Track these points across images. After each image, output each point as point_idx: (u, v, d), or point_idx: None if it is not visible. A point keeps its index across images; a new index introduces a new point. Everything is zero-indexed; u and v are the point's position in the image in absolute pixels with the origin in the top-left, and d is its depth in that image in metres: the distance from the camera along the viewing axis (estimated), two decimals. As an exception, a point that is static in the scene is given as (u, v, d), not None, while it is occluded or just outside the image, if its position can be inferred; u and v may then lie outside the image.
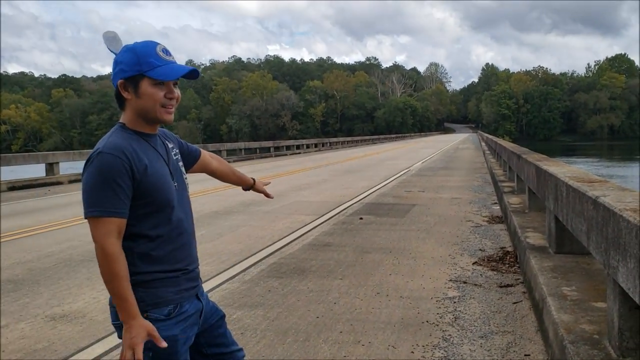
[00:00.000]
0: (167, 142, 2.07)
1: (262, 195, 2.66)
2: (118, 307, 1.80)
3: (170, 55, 1.92)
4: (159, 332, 1.86)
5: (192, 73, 1.94)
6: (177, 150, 2.13)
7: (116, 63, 1.90)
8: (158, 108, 1.89)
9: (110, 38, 1.94)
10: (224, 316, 2.21)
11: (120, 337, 1.89)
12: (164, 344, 1.81)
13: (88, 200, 1.79)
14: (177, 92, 1.94)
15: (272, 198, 2.71)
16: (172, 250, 1.93)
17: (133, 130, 1.92)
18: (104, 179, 1.78)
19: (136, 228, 1.86)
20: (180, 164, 2.10)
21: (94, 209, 1.78)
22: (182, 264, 1.96)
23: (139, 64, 1.86)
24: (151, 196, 1.87)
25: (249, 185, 2.61)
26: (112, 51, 1.93)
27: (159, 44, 1.91)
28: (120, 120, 1.95)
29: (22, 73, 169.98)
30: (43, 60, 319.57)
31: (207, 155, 2.40)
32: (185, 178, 2.10)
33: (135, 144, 1.88)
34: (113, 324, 1.94)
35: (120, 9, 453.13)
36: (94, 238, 1.79)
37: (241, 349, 2.24)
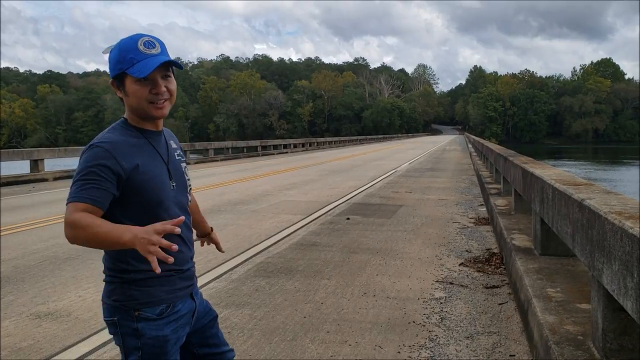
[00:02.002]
0: (171, 141, 2.04)
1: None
2: (114, 242, 1.68)
3: (153, 47, 1.83)
4: (149, 332, 1.85)
5: (171, 63, 1.87)
6: (181, 152, 2.10)
7: (108, 62, 1.87)
8: (145, 105, 1.84)
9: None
10: (216, 317, 2.19)
11: (111, 333, 1.90)
12: (175, 247, 1.68)
13: (70, 189, 1.77)
14: (170, 84, 1.87)
15: (223, 252, 2.50)
16: (165, 249, 1.88)
17: (134, 126, 1.90)
18: (87, 170, 1.75)
19: (126, 224, 1.79)
20: (183, 165, 2.06)
21: (71, 197, 1.74)
22: (177, 264, 1.90)
23: (120, 62, 1.82)
24: (142, 194, 1.83)
25: (205, 232, 2.43)
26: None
27: (143, 36, 1.84)
28: (124, 115, 1.94)
29: (7, 68, 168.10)
30: (26, 56, 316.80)
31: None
32: (188, 179, 2.07)
33: (133, 140, 1.86)
34: (105, 320, 1.93)
35: (105, 4, 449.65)
36: (65, 223, 1.72)
37: (232, 350, 2.23)
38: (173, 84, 1.89)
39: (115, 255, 1.86)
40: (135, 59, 1.79)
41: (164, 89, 1.85)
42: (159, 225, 1.68)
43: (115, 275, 1.88)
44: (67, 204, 1.75)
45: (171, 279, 1.92)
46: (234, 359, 2.24)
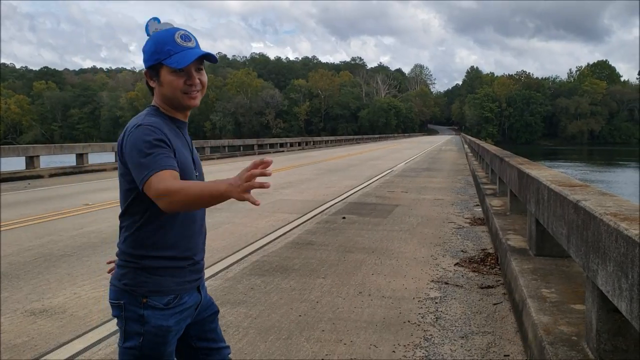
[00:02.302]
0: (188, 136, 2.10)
1: None
2: (212, 196, 1.68)
3: (189, 40, 1.90)
4: (154, 320, 1.88)
5: (207, 57, 1.92)
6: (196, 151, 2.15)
7: (143, 52, 1.93)
8: (179, 95, 1.90)
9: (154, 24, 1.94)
10: (217, 312, 2.21)
11: (114, 315, 1.94)
12: (267, 184, 1.65)
13: (139, 169, 1.76)
14: (202, 77, 1.94)
15: None
16: (182, 237, 1.93)
17: (165, 114, 1.95)
18: (150, 144, 1.77)
19: (151, 211, 1.84)
20: (199, 158, 2.11)
21: (149, 170, 1.73)
22: (190, 253, 1.96)
23: (157, 53, 1.87)
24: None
25: None
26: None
27: (179, 30, 1.91)
28: (153, 103, 1.97)
29: (3, 64, 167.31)
30: (22, 52, 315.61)
31: None
32: (203, 172, 2.12)
33: (167, 127, 1.89)
34: (110, 302, 1.96)
35: (102, 1, 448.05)
36: (155, 196, 1.72)
37: (228, 347, 2.24)
38: (205, 77, 1.96)
39: (136, 240, 1.89)
40: (172, 51, 1.86)
41: (197, 80, 1.92)
42: (247, 172, 1.64)
43: (130, 260, 1.91)
44: (146, 179, 1.73)
45: (183, 271, 1.95)
46: (229, 356, 2.25)
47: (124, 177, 1.88)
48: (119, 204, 1.97)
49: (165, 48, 1.86)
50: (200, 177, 2.04)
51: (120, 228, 1.95)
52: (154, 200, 1.74)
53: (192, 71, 1.89)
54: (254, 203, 1.65)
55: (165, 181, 1.71)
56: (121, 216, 1.94)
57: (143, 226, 1.87)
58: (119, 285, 1.92)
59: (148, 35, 1.92)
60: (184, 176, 1.85)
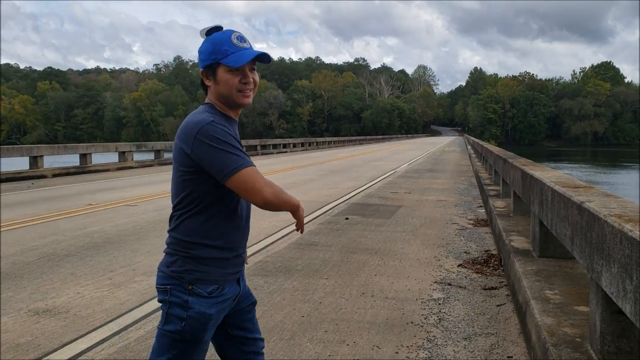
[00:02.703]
0: None
1: None
2: (292, 205, 2.08)
3: (245, 42, 2.02)
4: (197, 307, 1.98)
5: (262, 57, 2.03)
6: None
7: (199, 52, 2.04)
8: (235, 93, 2.01)
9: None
10: (255, 302, 2.31)
11: (159, 300, 2.05)
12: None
13: (223, 162, 1.90)
14: (255, 76, 2.06)
15: None
16: (229, 230, 2.05)
17: (220, 111, 2.04)
18: (225, 140, 1.91)
19: (206, 203, 1.98)
20: None
21: (235, 166, 1.90)
22: (235, 245, 2.08)
23: (214, 53, 1.98)
24: None
25: None
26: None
27: (234, 32, 2.02)
28: (207, 101, 2.07)
29: (7, 65, 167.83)
30: (26, 52, 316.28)
31: None
32: None
33: (226, 123, 2.00)
34: (157, 287, 2.06)
35: (105, 1, 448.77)
36: (252, 190, 1.93)
37: (263, 339, 2.33)
38: (257, 77, 2.09)
39: (188, 230, 2.00)
40: (229, 51, 1.97)
41: (251, 79, 2.04)
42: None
43: (179, 249, 2.01)
44: (234, 172, 1.90)
45: (227, 263, 2.06)
46: (262, 350, 2.32)
47: (182, 169, 1.98)
48: (171, 195, 2.09)
49: (223, 48, 1.97)
50: None
51: (172, 217, 2.06)
52: (246, 193, 1.94)
53: (246, 70, 2.01)
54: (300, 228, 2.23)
55: (261, 176, 1.94)
56: (175, 206, 2.04)
57: (194, 216, 1.99)
58: (166, 272, 2.03)
59: (203, 37, 2.06)
60: None
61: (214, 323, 2.05)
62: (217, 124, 1.92)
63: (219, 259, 2.02)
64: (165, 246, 2.08)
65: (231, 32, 2.02)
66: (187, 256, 1.99)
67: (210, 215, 1.99)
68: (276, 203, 1.98)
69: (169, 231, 2.08)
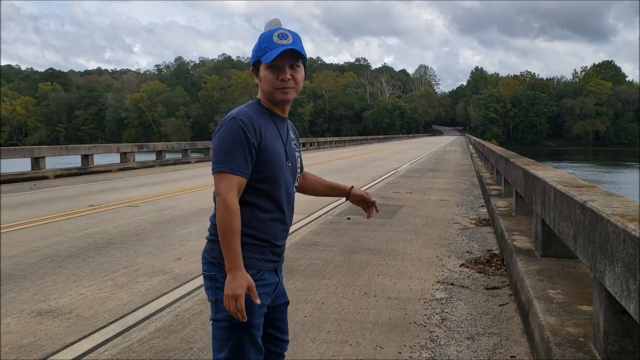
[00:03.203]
0: (290, 132, 2.25)
1: None
2: (226, 258, 1.94)
3: (285, 38, 2.04)
4: None
5: (294, 52, 2.04)
6: (297, 144, 2.30)
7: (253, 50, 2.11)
8: (273, 89, 2.06)
9: (273, 23, 2.11)
10: (288, 303, 2.32)
11: (206, 287, 2.09)
12: (258, 301, 1.98)
13: (217, 158, 1.98)
14: (296, 73, 2.08)
15: (377, 210, 2.61)
16: (266, 221, 2.08)
17: (265, 107, 2.12)
18: (232, 140, 1.97)
19: (250, 192, 2.03)
20: (297, 153, 2.26)
21: (221, 165, 1.96)
22: (271, 237, 2.10)
23: (258, 51, 2.05)
24: (265, 166, 2.03)
25: (348, 193, 2.55)
26: None
27: (280, 29, 2.06)
28: (257, 97, 2.15)
29: (8, 66, 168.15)
30: (26, 54, 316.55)
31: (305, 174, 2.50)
32: (299, 167, 2.27)
33: (264, 119, 2.07)
34: (203, 274, 2.11)
35: (105, 2, 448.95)
36: (218, 192, 1.96)
37: (288, 341, 2.34)
38: (300, 74, 2.10)
39: None
40: (268, 48, 2.02)
41: (288, 76, 2.05)
42: (252, 287, 1.96)
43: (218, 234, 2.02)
44: (219, 170, 1.96)
45: (263, 250, 2.09)
46: (285, 353, 2.33)
47: None
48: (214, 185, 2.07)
49: (263, 46, 2.03)
50: (293, 169, 2.18)
51: (214, 205, 2.08)
52: (215, 189, 1.98)
53: (285, 67, 2.04)
54: (234, 315, 1.96)
55: (232, 191, 1.95)
56: (214, 194, 2.05)
57: (240, 204, 2.00)
58: (208, 259, 2.08)
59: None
60: (273, 162, 2.05)
61: (259, 307, 2.05)
62: (237, 119, 1.98)
63: (255, 245, 2.06)
64: (207, 232, 2.14)
65: (277, 29, 2.06)
66: None
67: (249, 204, 2.03)
68: (222, 226, 1.95)
69: (210, 218, 2.12)
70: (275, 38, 2.03)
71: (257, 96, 2.15)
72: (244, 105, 2.09)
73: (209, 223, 2.14)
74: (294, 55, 2.05)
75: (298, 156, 2.25)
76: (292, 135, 2.24)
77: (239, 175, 1.96)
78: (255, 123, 2.01)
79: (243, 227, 1.99)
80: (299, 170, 2.26)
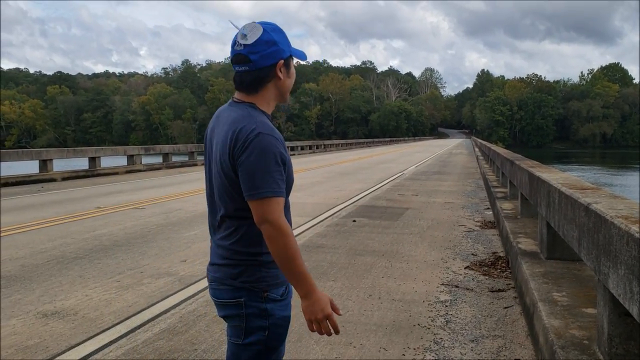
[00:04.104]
0: None
1: None
2: (300, 284, 1.82)
3: None
4: (278, 312, 1.92)
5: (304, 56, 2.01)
6: None
7: (269, 43, 1.86)
8: (289, 89, 2.00)
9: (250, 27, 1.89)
10: None
11: (229, 315, 1.93)
12: (341, 312, 1.91)
13: (258, 181, 1.79)
14: None
15: None
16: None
17: (262, 110, 1.93)
18: (268, 159, 1.79)
19: None
20: None
21: (264, 190, 1.78)
22: None
23: (289, 45, 1.93)
24: (289, 177, 1.92)
25: None
26: (241, 31, 1.88)
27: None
28: (248, 101, 1.93)
29: (17, 69, 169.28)
30: (34, 57, 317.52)
31: None
32: None
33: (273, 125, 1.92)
34: (227, 302, 1.93)
35: (111, 5, 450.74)
36: (268, 218, 1.78)
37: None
38: None
39: (252, 238, 1.89)
40: (291, 44, 1.94)
41: None
42: (333, 302, 1.89)
43: (245, 258, 1.91)
44: (267, 196, 1.79)
45: None
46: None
47: (235, 179, 1.85)
48: (220, 206, 1.95)
49: (289, 41, 1.93)
50: None
51: (224, 226, 1.94)
52: (257, 220, 1.80)
53: None
54: (325, 334, 1.89)
55: (282, 215, 1.81)
56: (229, 215, 1.91)
57: (255, 224, 1.86)
58: (234, 284, 1.91)
59: (243, 32, 1.87)
60: (292, 172, 1.95)
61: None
62: (274, 138, 1.83)
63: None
64: (218, 257, 1.96)
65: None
66: (255, 264, 1.90)
67: None
68: (283, 252, 1.82)
69: (222, 242, 1.95)
70: None
71: (251, 100, 1.93)
72: (252, 114, 1.87)
73: (219, 247, 1.96)
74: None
75: None
76: None
77: (282, 196, 1.82)
78: (279, 134, 1.86)
79: (264, 246, 1.87)
80: None
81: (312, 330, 1.87)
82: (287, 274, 1.82)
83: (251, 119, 1.85)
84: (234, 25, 1.94)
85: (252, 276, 1.89)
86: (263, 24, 1.89)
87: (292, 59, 1.96)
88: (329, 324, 1.84)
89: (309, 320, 1.84)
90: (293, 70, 1.97)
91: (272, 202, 1.79)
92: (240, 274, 1.90)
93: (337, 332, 1.87)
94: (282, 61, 1.89)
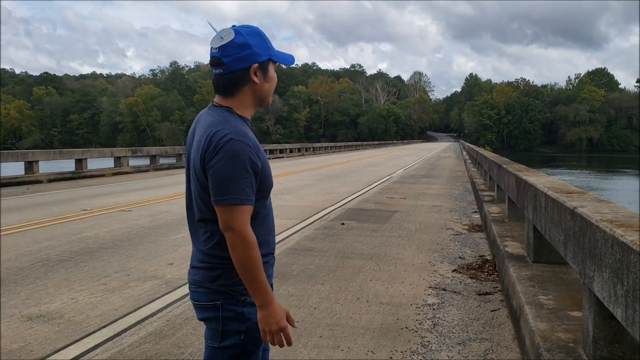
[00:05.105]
0: None
1: None
2: (257, 293, 1.81)
3: None
4: (254, 316, 1.88)
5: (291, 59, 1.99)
6: None
7: (243, 46, 1.84)
8: (270, 93, 1.95)
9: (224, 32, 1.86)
10: None
11: (205, 317, 1.92)
12: (295, 325, 1.91)
13: (225, 187, 1.77)
14: None
15: None
16: (266, 234, 1.97)
17: (239, 115, 1.91)
18: (237, 166, 1.77)
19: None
20: None
21: (229, 196, 1.77)
22: (271, 248, 2.01)
23: (268, 49, 1.89)
24: (265, 182, 1.90)
25: None
26: (218, 34, 1.86)
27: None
28: (226, 105, 1.91)
29: (3, 70, 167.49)
30: (19, 57, 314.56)
31: None
32: None
33: (249, 130, 1.89)
34: (203, 304, 1.92)
35: (97, 6, 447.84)
36: (232, 225, 1.78)
37: (269, 350, 2.21)
38: None
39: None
40: (273, 48, 1.91)
41: None
42: (289, 315, 1.88)
43: (222, 262, 1.89)
44: (233, 203, 1.77)
45: (267, 266, 1.95)
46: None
47: (207, 183, 1.84)
48: (196, 210, 1.94)
49: (270, 44, 1.90)
50: None
51: (205, 232, 1.92)
52: (222, 226, 1.80)
53: None
54: (278, 344, 1.87)
55: (247, 224, 1.80)
56: (206, 220, 1.90)
57: None
58: (212, 287, 1.90)
59: (219, 35, 1.86)
60: (269, 173, 1.93)
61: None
62: (245, 143, 1.81)
63: (263, 264, 1.90)
64: (197, 261, 1.96)
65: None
66: (232, 268, 1.85)
67: (256, 222, 1.90)
68: (243, 261, 1.81)
69: (200, 246, 1.94)
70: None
71: (228, 104, 1.91)
72: (227, 118, 1.85)
73: (198, 251, 1.96)
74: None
75: None
76: None
77: (249, 204, 1.80)
78: (252, 140, 1.83)
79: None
80: None
81: (265, 341, 1.88)
82: (246, 283, 1.82)
83: (225, 123, 1.83)
84: (212, 27, 1.91)
85: (229, 279, 1.88)
86: (243, 27, 1.88)
87: (271, 63, 1.92)
88: (282, 336, 1.85)
89: (263, 331, 1.84)
90: (272, 75, 1.93)
91: (238, 209, 1.78)
92: (217, 277, 1.90)
93: (289, 344, 1.87)
94: (256, 65, 1.87)
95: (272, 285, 2.08)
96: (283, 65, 2.11)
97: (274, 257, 2.07)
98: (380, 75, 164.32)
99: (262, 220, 1.95)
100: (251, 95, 1.92)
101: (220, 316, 1.89)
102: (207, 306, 1.91)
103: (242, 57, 1.84)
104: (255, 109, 1.98)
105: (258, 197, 1.88)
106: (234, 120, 1.86)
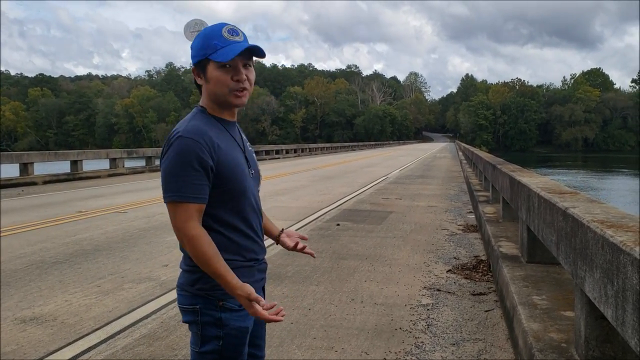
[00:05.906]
0: (243, 135, 2.06)
1: None
2: (222, 284, 1.78)
3: (237, 34, 1.85)
4: (233, 322, 1.87)
5: (253, 50, 1.86)
6: (249, 144, 2.10)
7: (192, 48, 1.88)
8: (227, 92, 1.85)
9: (193, 25, 1.91)
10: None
11: (186, 321, 1.91)
12: (264, 302, 1.81)
13: (167, 184, 1.78)
14: (250, 73, 1.88)
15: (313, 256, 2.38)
16: (246, 238, 1.92)
17: (212, 115, 1.90)
18: (182, 163, 1.75)
19: (214, 216, 1.84)
20: (254, 156, 2.08)
21: (173, 194, 1.76)
22: (255, 254, 1.96)
23: (204, 48, 1.83)
24: (228, 183, 1.84)
25: (276, 235, 2.26)
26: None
27: (227, 24, 1.86)
28: (200, 104, 1.93)
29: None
30: (13, 58, 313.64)
31: None
32: (259, 170, 2.08)
33: (215, 129, 1.85)
34: (183, 308, 1.92)
35: (92, 7, 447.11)
36: (173, 223, 1.78)
37: (264, 356, 2.19)
38: (253, 74, 1.91)
39: None
40: (219, 45, 1.81)
41: (244, 76, 1.86)
42: (260, 310, 1.77)
43: None
44: (174, 201, 1.76)
45: (251, 270, 1.94)
46: None
47: None
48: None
49: (212, 42, 1.82)
50: (256, 174, 2.02)
51: None
52: (171, 221, 1.80)
53: (239, 66, 1.84)
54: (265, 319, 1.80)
55: (196, 229, 1.77)
56: None
57: (208, 232, 1.83)
58: (191, 291, 1.89)
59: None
60: (236, 175, 1.86)
61: (247, 335, 1.95)
62: (187, 139, 1.77)
63: (243, 268, 1.89)
64: (182, 264, 1.95)
65: (223, 25, 1.86)
66: None
67: (223, 229, 1.87)
68: (195, 257, 1.79)
69: (183, 250, 1.90)
70: (225, 34, 1.82)
71: (201, 103, 1.93)
72: (190, 117, 1.87)
73: (184, 255, 1.93)
74: (248, 54, 1.86)
75: (255, 158, 2.08)
76: (244, 137, 2.07)
77: (195, 203, 1.77)
78: (207, 137, 1.79)
79: (229, 255, 1.84)
80: (260, 173, 2.08)
81: (263, 317, 1.81)
82: (209, 274, 1.79)
83: (184, 122, 1.86)
84: (196, 29, 1.94)
85: (207, 283, 1.85)
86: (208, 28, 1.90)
87: (212, 62, 1.83)
88: (262, 309, 1.78)
89: (250, 313, 1.80)
90: (212, 74, 1.84)
91: (179, 207, 1.76)
92: (196, 281, 1.88)
93: (281, 316, 1.82)
94: (193, 67, 1.90)
95: (263, 289, 2.08)
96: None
97: (264, 262, 2.03)
98: (376, 75, 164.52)
99: (244, 226, 1.92)
100: (207, 96, 1.91)
101: (199, 320, 1.88)
102: (188, 310, 1.90)
103: (192, 58, 1.89)
104: (226, 109, 1.92)
105: (225, 199, 1.85)
106: (198, 119, 1.86)
